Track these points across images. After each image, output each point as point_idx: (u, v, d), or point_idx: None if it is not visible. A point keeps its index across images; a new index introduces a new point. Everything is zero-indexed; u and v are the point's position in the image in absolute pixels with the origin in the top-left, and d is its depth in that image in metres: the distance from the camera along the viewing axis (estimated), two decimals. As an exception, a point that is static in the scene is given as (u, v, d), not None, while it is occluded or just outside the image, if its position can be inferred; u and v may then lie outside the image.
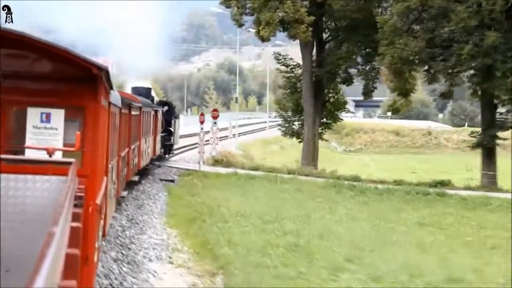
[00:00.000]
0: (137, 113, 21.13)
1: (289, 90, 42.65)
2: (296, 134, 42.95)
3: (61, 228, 3.16)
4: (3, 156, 6.16)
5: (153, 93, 34.30)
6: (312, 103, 38.79)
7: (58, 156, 7.37)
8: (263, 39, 36.60)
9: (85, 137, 7.75)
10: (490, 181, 33.47)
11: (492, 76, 32.54)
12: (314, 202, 24.60)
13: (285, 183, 29.59)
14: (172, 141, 36.61)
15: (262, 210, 21.53)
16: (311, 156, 38.49)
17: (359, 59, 40.80)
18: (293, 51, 47.47)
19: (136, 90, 29.56)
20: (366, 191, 27.82)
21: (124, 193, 19.12)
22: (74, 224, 4.46)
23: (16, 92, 7.89)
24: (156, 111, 29.46)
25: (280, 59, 42.88)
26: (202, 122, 34.38)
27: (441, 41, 33.91)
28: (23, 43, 7.47)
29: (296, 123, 43.19)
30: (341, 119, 45.28)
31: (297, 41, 38.79)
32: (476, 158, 39.39)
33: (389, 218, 22.15)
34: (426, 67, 35.34)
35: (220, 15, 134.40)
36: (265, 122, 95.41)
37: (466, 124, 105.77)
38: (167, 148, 36.21)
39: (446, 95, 38.38)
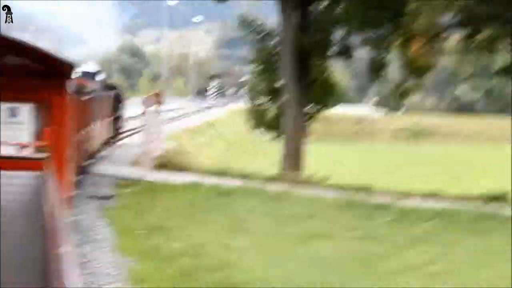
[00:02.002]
0: (87, 97, 20.79)
1: (261, 67, 32.45)
2: (271, 127, 33.10)
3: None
4: None
5: (101, 77, 32.62)
6: (295, 85, 28.64)
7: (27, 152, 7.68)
8: None
9: (52, 130, 7.94)
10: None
11: None
12: (359, 243, 15.41)
13: (279, 201, 20.22)
14: (119, 124, 35.89)
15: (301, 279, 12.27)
16: (294, 157, 28.55)
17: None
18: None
19: (85, 74, 27.56)
20: (409, 215, 18.68)
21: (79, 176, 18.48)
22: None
23: None
24: (105, 96, 28.76)
25: (245, 23, 32.37)
26: (144, 113, 24.45)
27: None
28: None
29: (270, 112, 33.17)
30: (334, 105, 34.67)
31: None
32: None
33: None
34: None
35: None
36: (179, 108, 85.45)
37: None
38: (116, 131, 34.78)
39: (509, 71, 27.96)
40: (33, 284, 5.19)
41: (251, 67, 34.95)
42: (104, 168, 26.26)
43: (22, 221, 5.30)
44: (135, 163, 28.07)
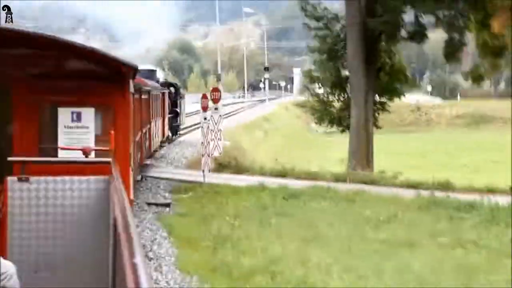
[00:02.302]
0: (147, 96, 20.69)
1: (324, 56, 29.89)
2: (337, 120, 30.27)
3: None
4: (40, 158, 7.02)
5: (158, 75, 33.11)
6: (362, 72, 26.31)
7: (91, 155, 7.53)
8: None
9: (116, 133, 7.67)
10: None
11: None
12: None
13: (353, 202, 18.49)
14: (178, 122, 35.99)
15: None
16: (363, 152, 26.43)
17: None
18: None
19: (142, 72, 26.52)
20: (500, 214, 16.64)
21: (138, 177, 18.43)
22: None
23: (47, 92, 8.19)
24: (163, 93, 28.94)
25: (308, 11, 29.65)
26: (205, 109, 22.86)
27: None
28: (53, 44, 7.85)
29: (336, 103, 30.50)
30: (403, 95, 31.38)
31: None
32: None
33: None
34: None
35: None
36: (233, 103, 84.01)
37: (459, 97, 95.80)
38: (174, 129, 35.24)
39: None
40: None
41: (314, 57, 32.41)
42: (162, 170, 24.92)
43: (92, 226, 5.37)
44: (194, 163, 26.71)
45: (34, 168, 5.81)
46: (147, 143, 21.71)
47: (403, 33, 27.59)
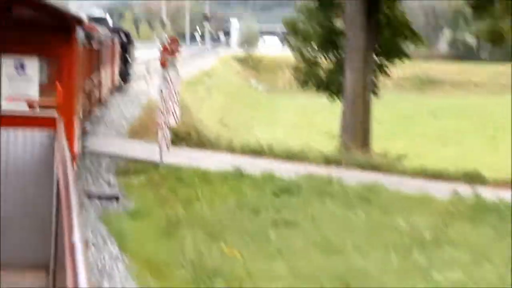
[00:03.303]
0: (97, 44, 19.60)
1: (314, 3, 23.88)
2: (326, 86, 24.12)
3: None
4: None
5: (108, 21, 33.22)
6: (362, 26, 20.58)
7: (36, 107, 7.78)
8: None
9: (62, 85, 7.71)
10: None
11: None
12: None
13: (369, 203, 13.59)
14: (128, 70, 34.80)
15: None
16: (359, 127, 20.93)
17: None
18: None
19: (92, 19, 28.15)
20: None
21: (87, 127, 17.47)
22: None
23: None
24: (113, 40, 28.19)
25: None
26: (164, 65, 17.47)
27: None
28: None
29: (325, 63, 24.41)
30: (407, 55, 24.83)
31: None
32: None
33: None
34: None
35: None
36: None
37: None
38: (124, 77, 33.68)
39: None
40: (36, 246, 5.37)
41: (298, 5, 25.94)
42: (103, 141, 19.63)
43: (36, 180, 5.29)
44: (140, 128, 21.64)
45: None
46: (97, 92, 20.63)
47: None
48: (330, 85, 23.95)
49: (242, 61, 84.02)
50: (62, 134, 5.11)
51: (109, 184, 15.21)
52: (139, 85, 35.24)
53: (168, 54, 18.10)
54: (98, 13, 32.71)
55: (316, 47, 24.38)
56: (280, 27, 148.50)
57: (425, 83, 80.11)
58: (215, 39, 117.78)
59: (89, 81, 17.02)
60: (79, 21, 8.44)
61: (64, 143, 4.73)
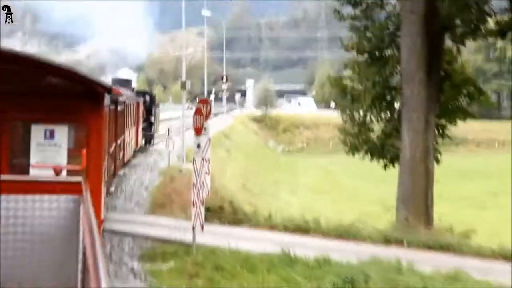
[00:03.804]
0: (122, 107, 20.12)
1: (366, 57, 20.79)
2: (379, 151, 20.74)
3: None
4: (11, 177, 6.61)
5: (133, 83, 33.26)
6: (422, 81, 17.84)
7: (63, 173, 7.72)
8: None
9: (89, 151, 7.83)
10: None
11: None
12: None
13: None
14: (152, 131, 35.85)
15: None
16: (420, 199, 17.85)
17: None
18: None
19: (117, 81, 29.04)
20: None
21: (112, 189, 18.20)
22: None
23: (20, 110, 8.18)
24: (138, 103, 28.88)
25: None
26: (199, 131, 15.15)
27: None
28: (28, 62, 7.61)
29: (377, 125, 21.24)
30: (471, 115, 21.62)
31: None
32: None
33: None
34: None
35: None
36: (183, 116, 75.70)
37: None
38: (148, 138, 35.13)
39: None
40: None
41: (347, 61, 22.32)
42: (123, 217, 17.19)
43: (61, 247, 5.20)
44: (163, 198, 19.33)
45: (4, 185, 5.45)
46: (121, 154, 20.85)
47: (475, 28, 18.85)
48: (385, 150, 20.74)
49: (259, 121, 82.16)
50: (88, 200, 5.12)
51: (133, 272, 12.70)
52: (161, 146, 34.18)
53: (202, 117, 15.91)
54: (124, 74, 32.65)
55: (367, 107, 21.02)
56: (296, 86, 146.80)
57: (449, 142, 77.78)
58: (230, 100, 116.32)
59: (114, 143, 17.11)
60: (107, 89, 8.26)
61: (91, 210, 4.79)
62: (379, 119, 21.26)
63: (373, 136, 21.28)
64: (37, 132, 8.39)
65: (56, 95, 8.12)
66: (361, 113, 21.17)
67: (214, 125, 60.21)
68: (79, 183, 5.64)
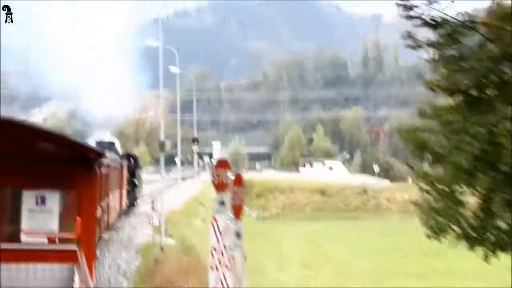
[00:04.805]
0: (106, 170, 20.28)
1: (460, 100, 14.11)
2: (479, 235, 13.36)
3: None
4: (8, 245, 6.60)
5: (117, 146, 32.53)
6: None
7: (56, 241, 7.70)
8: None
9: (81, 217, 7.62)
10: None
11: None
12: None
13: None
14: (135, 193, 35.86)
15: None
16: None
17: None
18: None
19: (101, 144, 28.78)
20: None
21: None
22: None
23: (11, 175, 7.96)
24: (121, 165, 28.94)
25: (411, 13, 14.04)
26: (223, 188, 11.57)
27: None
28: (20, 128, 7.24)
29: (471, 198, 13.80)
30: None
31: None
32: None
33: None
34: None
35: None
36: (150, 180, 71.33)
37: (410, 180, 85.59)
38: (131, 200, 34.73)
39: None
40: None
41: (422, 105, 15.65)
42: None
43: None
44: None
45: (1, 253, 5.54)
46: (106, 217, 20.80)
47: None
48: (487, 234, 13.80)
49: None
50: (85, 269, 5.13)
51: None
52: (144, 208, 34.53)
53: (223, 190, 12.29)
54: (106, 137, 32.00)
55: (457, 171, 13.79)
56: (260, 149, 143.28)
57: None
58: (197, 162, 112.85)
59: (99, 207, 16.92)
60: (99, 154, 8.45)
61: (89, 278, 4.81)
62: (476, 190, 14.32)
63: (467, 213, 14.35)
64: (28, 198, 8.14)
65: (47, 160, 7.87)
66: (449, 180, 14.22)
67: (185, 190, 56.41)
68: (73, 252, 5.99)
